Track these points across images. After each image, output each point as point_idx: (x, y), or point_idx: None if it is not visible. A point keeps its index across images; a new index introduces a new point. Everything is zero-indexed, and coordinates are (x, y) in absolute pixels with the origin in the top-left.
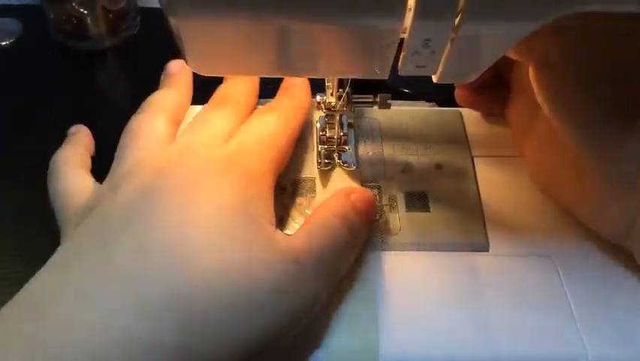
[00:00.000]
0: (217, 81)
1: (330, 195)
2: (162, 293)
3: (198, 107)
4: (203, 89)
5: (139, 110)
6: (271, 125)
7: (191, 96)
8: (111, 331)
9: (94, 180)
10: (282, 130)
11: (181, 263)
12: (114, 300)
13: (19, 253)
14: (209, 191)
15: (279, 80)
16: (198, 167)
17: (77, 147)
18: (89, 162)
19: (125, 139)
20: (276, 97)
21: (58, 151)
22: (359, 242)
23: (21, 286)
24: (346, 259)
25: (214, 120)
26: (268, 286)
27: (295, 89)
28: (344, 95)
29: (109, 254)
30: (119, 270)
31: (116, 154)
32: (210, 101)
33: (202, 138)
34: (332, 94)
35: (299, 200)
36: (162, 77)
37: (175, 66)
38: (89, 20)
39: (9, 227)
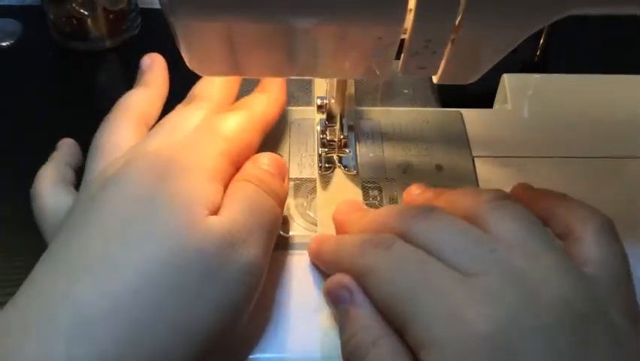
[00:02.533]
0: None
1: (241, 168)
2: (97, 304)
3: None
4: None
5: (109, 113)
6: (229, 119)
7: (166, 92)
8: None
9: (75, 193)
10: (240, 123)
11: (112, 271)
12: (54, 324)
13: (19, 253)
14: (141, 199)
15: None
16: (135, 179)
17: (58, 163)
18: (69, 176)
19: (91, 150)
20: (251, 94)
21: (40, 169)
22: (281, 202)
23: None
24: (274, 222)
25: (180, 119)
26: (199, 271)
27: (269, 84)
28: (345, 97)
29: (53, 277)
30: (59, 291)
31: (85, 165)
32: (184, 100)
33: (159, 139)
34: (333, 96)
35: (299, 200)
36: (138, 74)
37: (146, 61)
38: (89, 21)
39: (9, 227)
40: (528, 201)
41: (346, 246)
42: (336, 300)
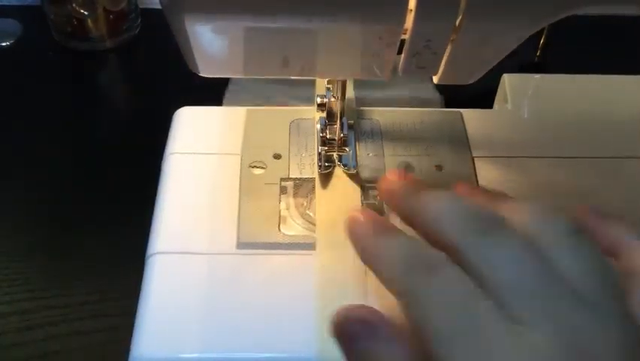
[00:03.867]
0: (218, 82)
1: None
2: None
3: (197, 108)
4: (204, 90)
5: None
6: None
7: None
8: None
9: None
10: None
11: None
12: None
13: (19, 253)
14: None
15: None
16: None
17: None
18: None
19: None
20: None
21: None
22: None
23: (21, 286)
24: None
25: None
26: None
27: None
28: (345, 95)
29: None
30: None
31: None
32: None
33: None
34: (333, 95)
35: (299, 200)
36: None
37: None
38: (89, 21)
39: (9, 226)
40: (592, 231)
41: (391, 253)
42: (349, 339)
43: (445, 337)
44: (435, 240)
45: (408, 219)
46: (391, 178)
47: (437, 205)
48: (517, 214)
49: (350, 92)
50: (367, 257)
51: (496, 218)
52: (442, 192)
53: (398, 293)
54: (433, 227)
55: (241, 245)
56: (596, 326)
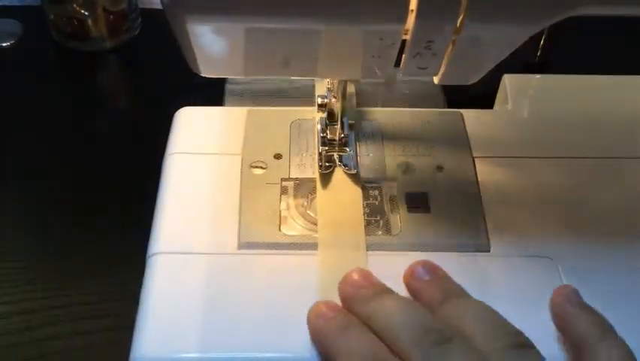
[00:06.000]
0: (218, 83)
1: None
2: None
3: (197, 108)
4: (204, 90)
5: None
6: None
7: None
8: None
9: None
10: None
11: None
12: None
13: (19, 253)
14: None
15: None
16: None
17: None
18: None
19: None
20: None
21: None
22: None
23: (22, 288)
24: None
25: None
26: None
27: None
28: (345, 96)
29: None
30: None
31: None
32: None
33: None
34: (334, 96)
35: (299, 200)
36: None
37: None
38: (89, 22)
39: (9, 227)
40: (564, 321)
41: (350, 351)
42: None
43: None
44: (390, 344)
45: (366, 324)
46: (351, 280)
47: (391, 314)
48: (464, 322)
49: (350, 92)
50: (324, 348)
51: (446, 331)
52: (394, 300)
53: None
54: (388, 334)
55: (242, 245)
56: None
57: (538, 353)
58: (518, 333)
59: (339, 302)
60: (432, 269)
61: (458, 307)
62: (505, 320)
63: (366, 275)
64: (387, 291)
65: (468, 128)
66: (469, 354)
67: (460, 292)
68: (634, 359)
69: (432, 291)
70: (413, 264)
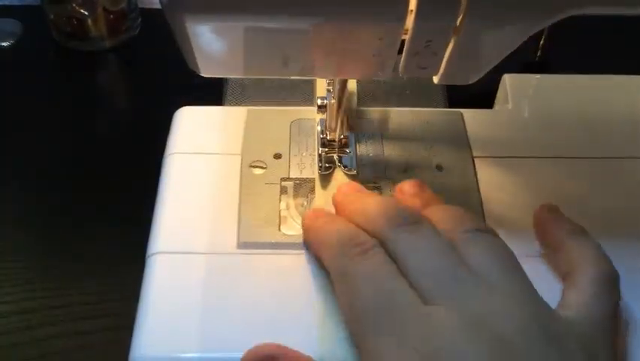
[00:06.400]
0: (218, 83)
1: None
2: None
3: (197, 108)
4: (204, 89)
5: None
6: None
7: None
8: None
9: None
10: None
11: None
12: None
13: (19, 253)
14: None
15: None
16: None
17: None
18: None
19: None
20: None
21: None
22: None
23: (22, 287)
24: None
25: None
26: None
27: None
28: (345, 97)
29: None
30: None
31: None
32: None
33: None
34: (334, 96)
35: (299, 200)
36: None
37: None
38: (89, 21)
39: (9, 227)
40: (543, 226)
41: (330, 237)
42: None
43: (369, 319)
44: (366, 230)
45: (345, 213)
46: (342, 190)
47: (373, 205)
48: (438, 215)
49: (350, 93)
50: (311, 242)
51: (417, 215)
52: (375, 197)
53: (333, 276)
54: (368, 226)
55: (241, 245)
56: (495, 301)
57: (498, 237)
58: (481, 222)
59: None
60: (419, 185)
61: (434, 210)
62: (472, 214)
63: (356, 186)
64: (372, 194)
65: (468, 128)
66: (436, 234)
67: (440, 202)
68: (606, 256)
69: (413, 201)
70: (402, 182)
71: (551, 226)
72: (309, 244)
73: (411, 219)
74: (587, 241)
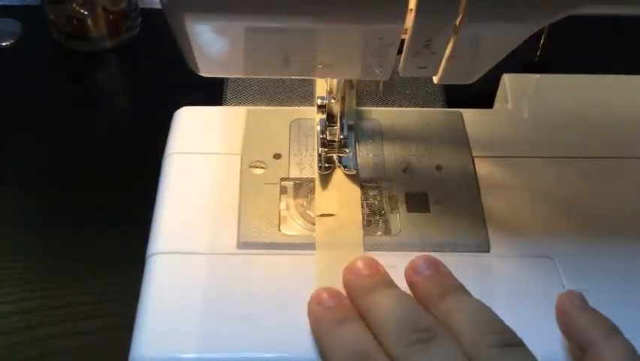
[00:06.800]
0: (218, 83)
1: None
2: None
3: (197, 108)
4: (204, 89)
5: None
6: None
7: None
8: None
9: None
10: None
11: None
12: None
13: (19, 253)
14: None
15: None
16: None
17: None
18: None
19: None
20: None
21: None
22: None
23: (22, 287)
24: None
25: None
26: None
27: None
28: (345, 97)
29: None
30: None
31: None
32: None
33: None
34: (333, 97)
35: (299, 200)
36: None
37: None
38: (89, 21)
39: (9, 227)
40: (569, 320)
41: (341, 349)
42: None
43: None
44: (380, 339)
45: (363, 316)
46: (354, 268)
47: (382, 308)
48: (459, 318)
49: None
50: (319, 345)
51: (432, 325)
52: (390, 295)
53: None
54: (378, 330)
55: (241, 245)
56: None
57: (528, 351)
58: (508, 331)
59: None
60: (433, 264)
61: (454, 304)
62: (498, 318)
63: (370, 263)
64: (389, 283)
65: (467, 128)
66: (451, 352)
67: (458, 289)
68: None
69: (430, 286)
70: (415, 258)
71: (579, 321)
72: (314, 336)
73: (424, 333)
74: (619, 341)
